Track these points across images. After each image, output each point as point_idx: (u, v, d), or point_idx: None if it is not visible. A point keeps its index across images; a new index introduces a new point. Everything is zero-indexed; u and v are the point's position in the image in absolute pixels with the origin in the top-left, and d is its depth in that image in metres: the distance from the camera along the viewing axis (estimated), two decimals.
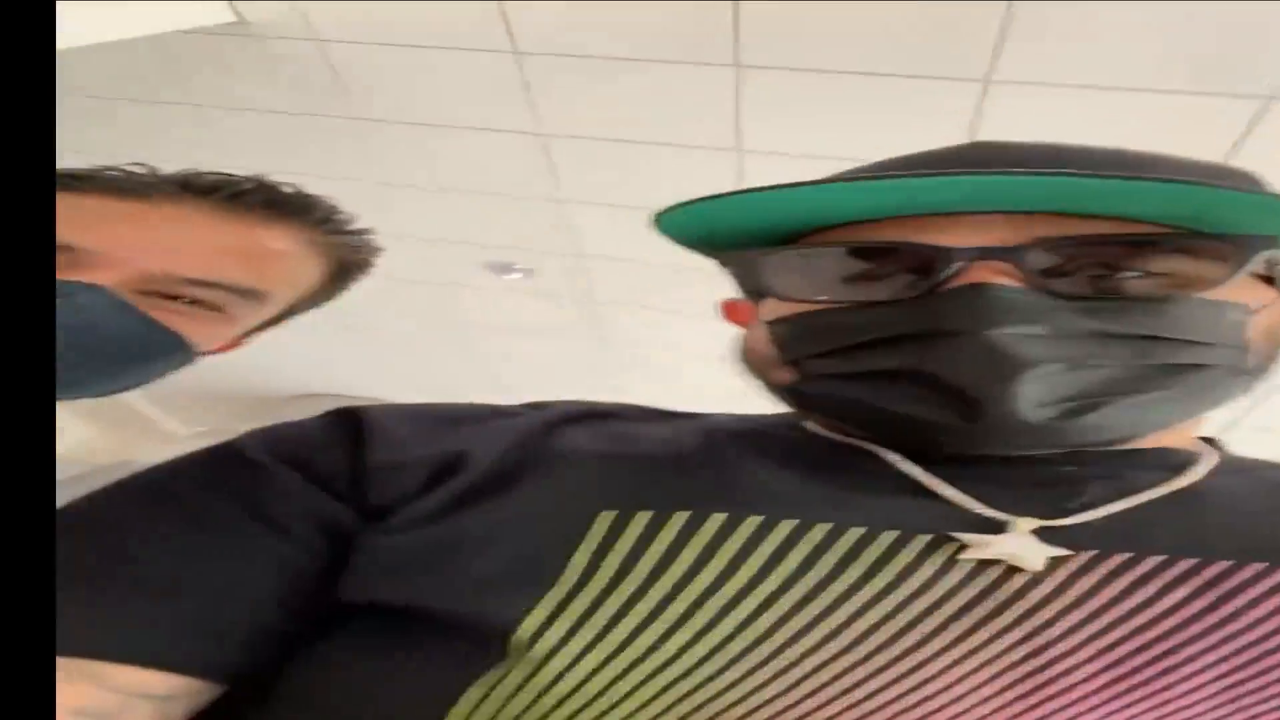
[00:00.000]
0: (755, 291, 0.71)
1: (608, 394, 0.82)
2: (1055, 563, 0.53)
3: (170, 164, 0.87)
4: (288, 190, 0.86)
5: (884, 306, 0.61)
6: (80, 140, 3.17)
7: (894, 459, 0.62)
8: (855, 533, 0.55)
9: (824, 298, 0.64)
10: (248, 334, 0.94)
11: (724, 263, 0.70)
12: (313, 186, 0.91)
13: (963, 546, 0.54)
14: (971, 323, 0.57)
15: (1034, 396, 0.57)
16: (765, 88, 2.76)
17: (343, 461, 0.65)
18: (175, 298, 0.82)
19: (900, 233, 0.61)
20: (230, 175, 0.84)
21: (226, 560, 0.58)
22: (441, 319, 4.81)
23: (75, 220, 0.79)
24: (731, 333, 0.74)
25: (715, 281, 0.73)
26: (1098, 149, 0.64)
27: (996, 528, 0.56)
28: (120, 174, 0.82)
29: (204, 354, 0.89)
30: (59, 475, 0.80)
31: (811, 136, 2.91)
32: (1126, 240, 0.59)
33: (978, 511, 0.57)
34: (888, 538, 0.55)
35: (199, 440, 0.69)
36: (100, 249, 0.78)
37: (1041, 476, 0.60)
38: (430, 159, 3.39)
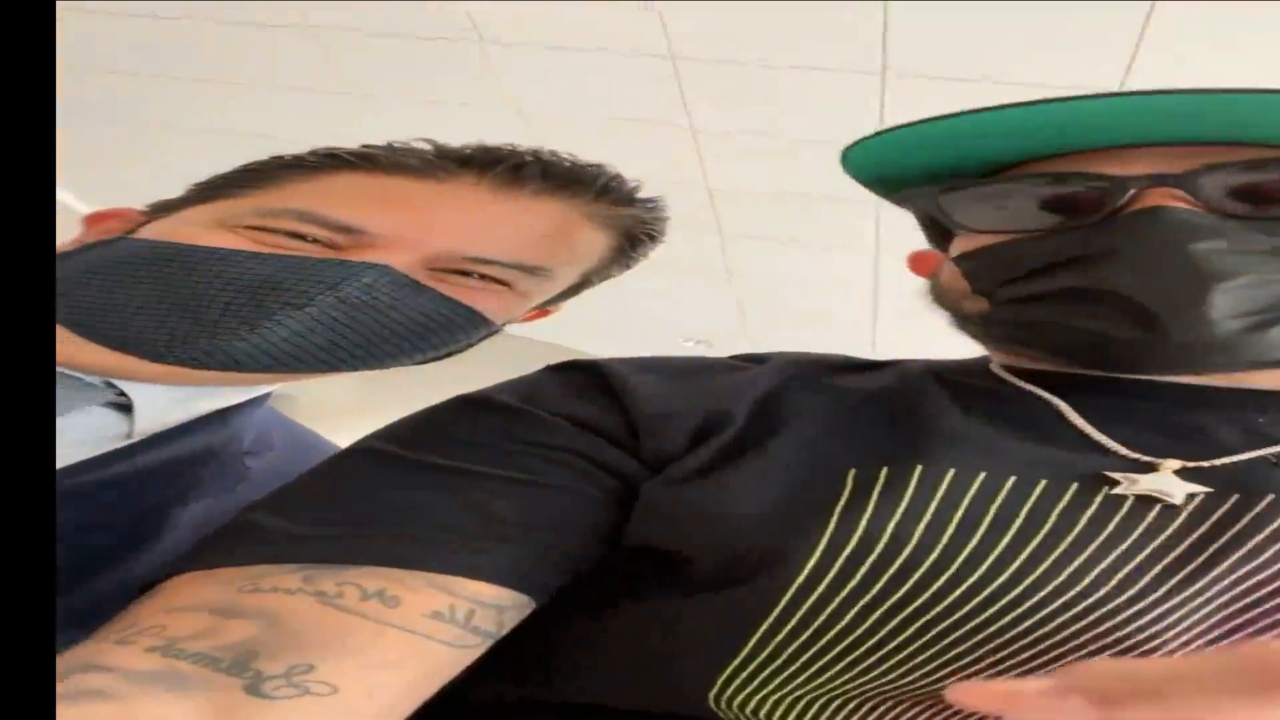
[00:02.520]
0: (939, 232, 0.77)
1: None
2: (1237, 500, 0.57)
3: None
4: (566, 163, 0.85)
5: (1066, 233, 0.65)
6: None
7: (1066, 410, 0.66)
8: (1042, 481, 0.59)
9: (1008, 228, 0.68)
10: (552, 302, 0.95)
11: (907, 201, 0.75)
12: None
13: (1115, 483, 0.59)
14: (1153, 241, 0.61)
15: (1221, 309, 0.60)
16: None
17: (611, 413, 0.68)
18: (465, 274, 0.83)
19: (1075, 165, 0.66)
20: (513, 148, 0.85)
21: (542, 496, 0.62)
22: None
23: (362, 202, 0.81)
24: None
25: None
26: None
27: (1147, 469, 0.60)
28: (405, 152, 0.84)
29: (511, 321, 0.91)
30: None
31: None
32: None
33: (1132, 456, 0.61)
34: (1061, 485, 0.59)
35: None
36: (388, 230, 0.80)
37: (1183, 422, 0.64)
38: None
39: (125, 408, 0.82)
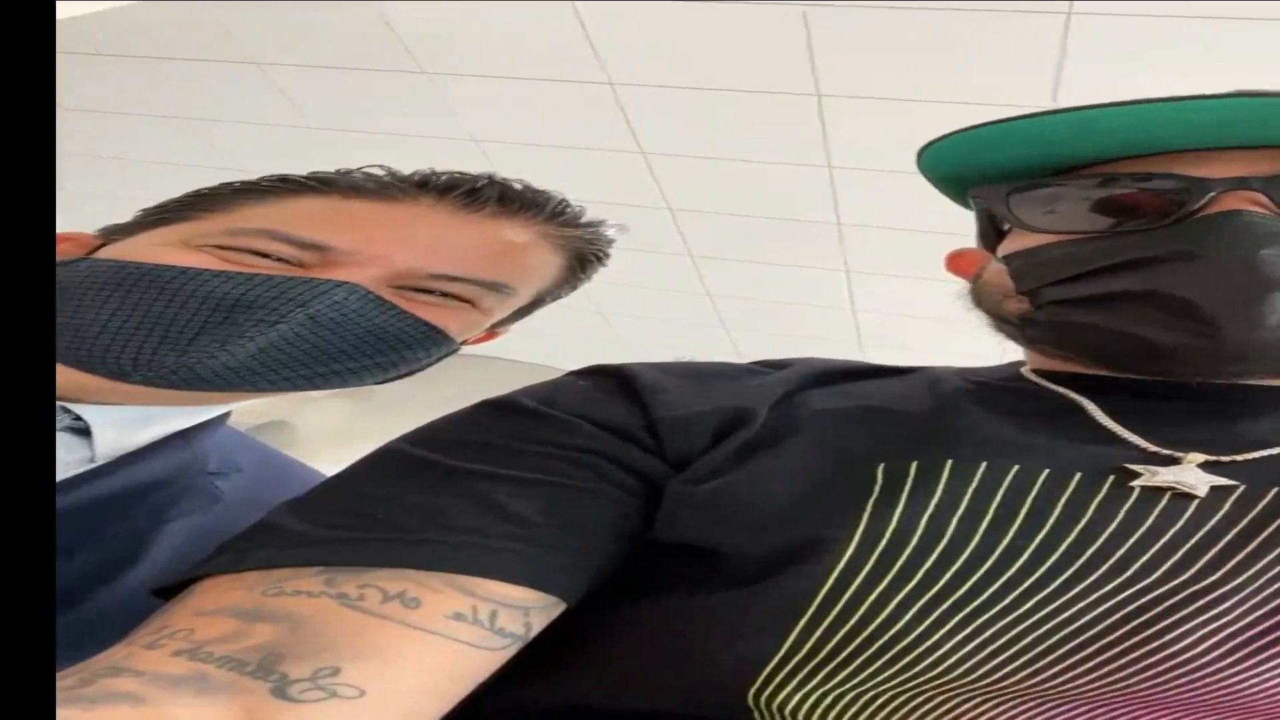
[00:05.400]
0: (993, 232, 0.76)
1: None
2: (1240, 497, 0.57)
3: None
4: (518, 187, 0.88)
5: (1134, 234, 0.65)
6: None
7: (1091, 409, 0.66)
8: (1076, 475, 0.59)
9: (1075, 230, 0.68)
10: (501, 324, 0.97)
11: (976, 198, 0.75)
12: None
13: (1136, 475, 0.59)
14: (1225, 245, 0.61)
15: (1276, 316, 0.60)
16: None
17: (633, 415, 0.68)
18: (429, 292, 0.84)
19: (1153, 167, 0.66)
20: (465, 174, 0.87)
21: (566, 497, 0.62)
22: None
23: (324, 221, 0.82)
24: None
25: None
26: None
27: (1171, 463, 0.60)
28: (361, 176, 0.86)
29: (465, 343, 0.93)
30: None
31: None
32: None
33: (1155, 450, 0.62)
34: (1097, 478, 0.59)
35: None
36: (353, 248, 0.81)
37: (1214, 419, 0.64)
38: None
39: (83, 431, 0.82)
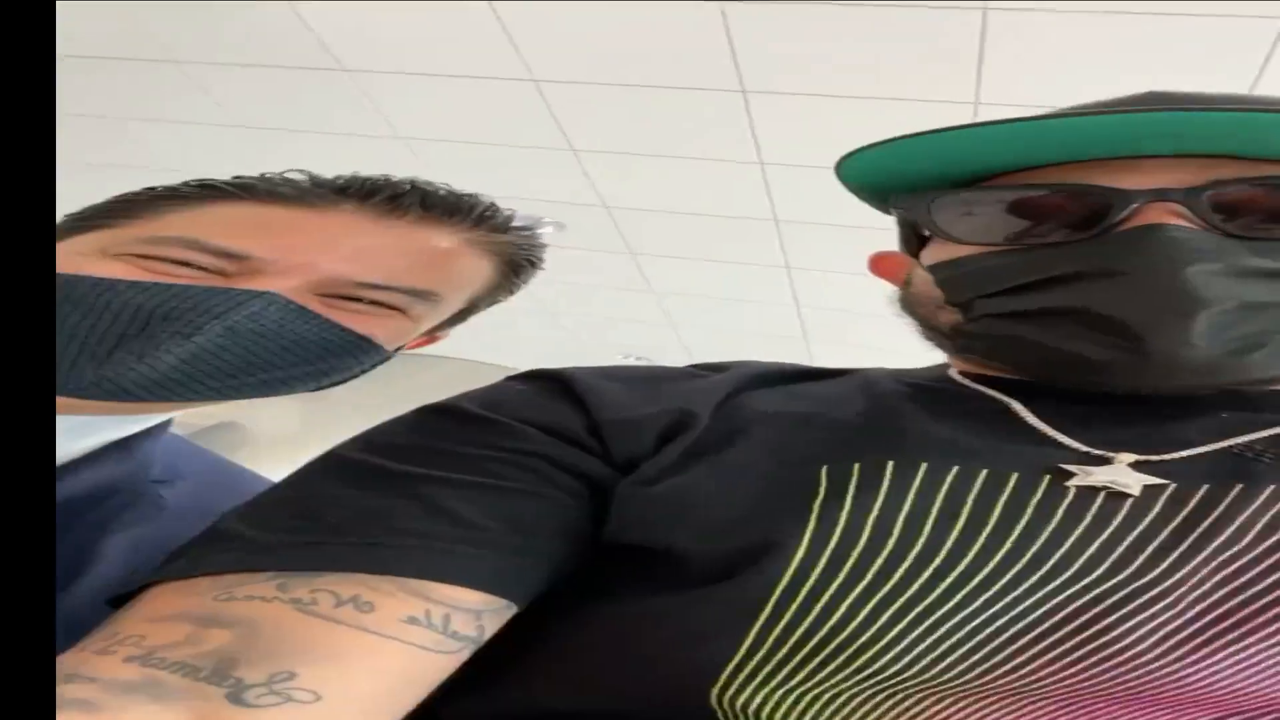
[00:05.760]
0: (918, 238, 0.75)
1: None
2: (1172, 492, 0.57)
3: None
4: (442, 192, 0.87)
5: (1056, 247, 0.64)
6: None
7: (1021, 411, 0.66)
8: (1013, 475, 0.59)
9: (997, 240, 0.67)
10: (440, 328, 0.95)
11: (897, 207, 0.74)
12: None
13: (1069, 475, 0.59)
14: (1149, 261, 0.60)
15: (1205, 334, 0.59)
16: None
17: (575, 418, 0.67)
18: (358, 299, 0.83)
19: (1072, 176, 0.64)
20: (387, 179, 0.85)
21: (512, 501, 0.62)
22: None
23: (245, 229, 0.81)
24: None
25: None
26: (1262, 96, 0.66)
27: (1103, 463, 0.60)
28: (280, 181, 0.84)
29: (402, 348, 0.92)
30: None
31: None
32: None
33: (1087, 450, 0.61)
34: (1033, 477, 0.58)
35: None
36: (274, 257, 0.80)
37: (1145, 419, 0.64)
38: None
39: None
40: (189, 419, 0.96)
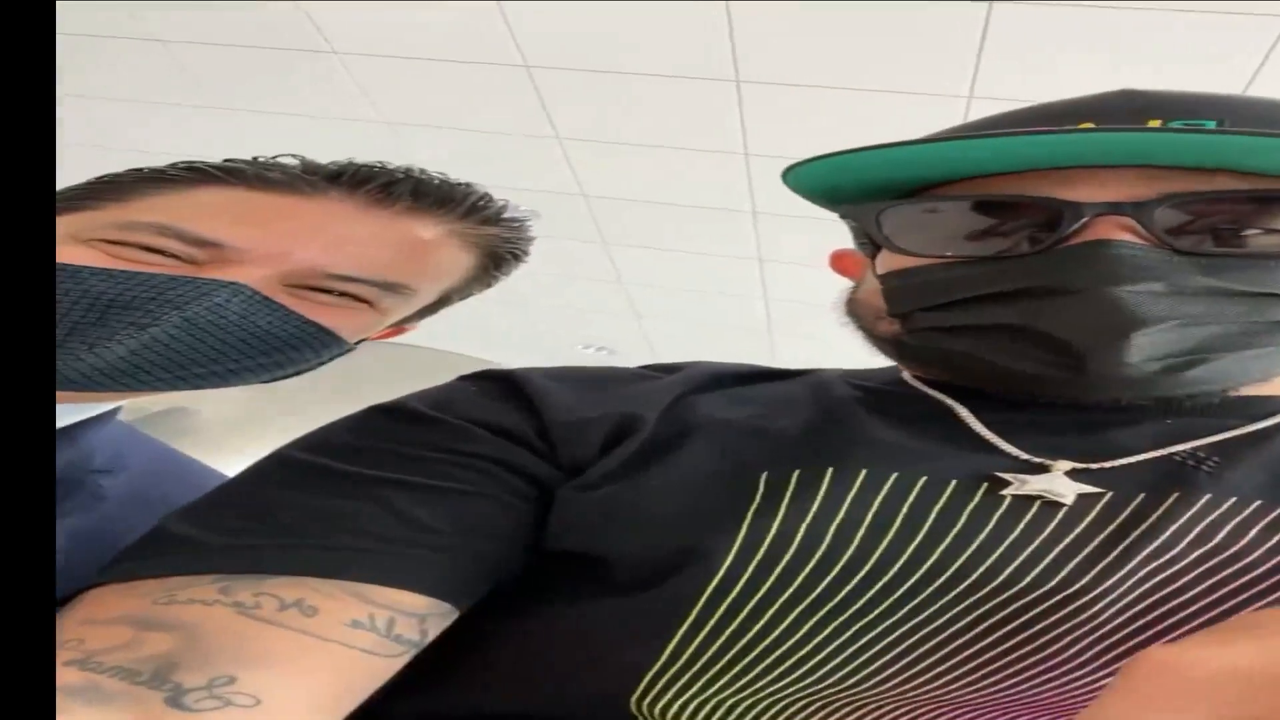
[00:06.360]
0: (870, 243, 0.72)
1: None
2: (1096, 498, 0.58)
3: None
4: (435, 181, 0.85)
5: (1002, 261, 0.63)
6: None
7: (966, 416, 0.66)
8: (952, 482, 0.59)
9: (945, 253, 0.66)
10: (407, 320, 0.94)
11: (845, 215, 0.73)
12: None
13: (1005, 484, 0.59)
14: (1092, 279, 0.59)
15: (1143, 353, 0.59)
16: None
17: (525, 420, 0.67)
18: (324, 291, 0.81)
19: (1025, 186, 0.63)
20: (382, 166, 0.83)
21: (460, 503, 0.62)
22: None
23: (224, 216, 0.79)
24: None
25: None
26: (1238, 98, 0.65)
27: (1041, 470, 0.60)
28: (271, 166, 0.82)
29: (362, 341, 0.90)
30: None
31: None
32: (1253, 197, 0.60)
33: (1025, 458, 0.62)
34: (971, 485, 0.59)
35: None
36: (249, 245, 0.78)
37: (1086, 426, 0.63)
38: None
39: None
40: (137, 404, 0.95)
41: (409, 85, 3.38)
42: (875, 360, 0.77)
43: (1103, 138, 0.59)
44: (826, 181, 0.69)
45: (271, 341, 0.81)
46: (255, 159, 0.83)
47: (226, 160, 0.82)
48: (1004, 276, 0.63)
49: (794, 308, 4.77)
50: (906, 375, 0.74)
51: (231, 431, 5.65)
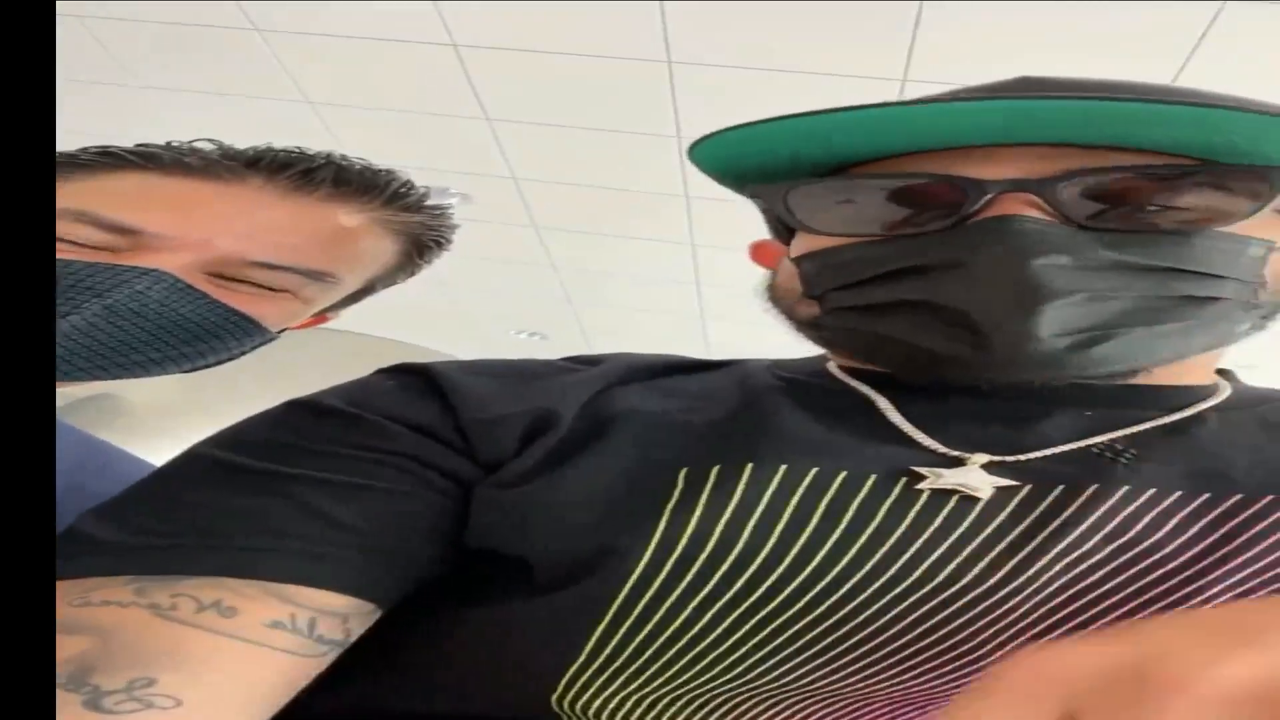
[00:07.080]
0: (784, 227, 0.73)
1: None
2: (1026, 492, 0.57)
3: None
4: (357, 167, 0.83)
5: (910, 239, 0.63)
6: None
7: (885, 408, 0.65)
8: (871, 476, 0.59)
9: (854, 231, 0.66)
10: (331, 309, 0.93)
11: (754, 197, 0.71)
12: None
13: (922, 478, 0.58)
14: (997, 253, 0.58)
15: (1050, 327, 0.59)
16: None
17: (442, 416, 0.66)
18: (244, 281, 0.81)
19: (931, 165, 0.63)
20: (301, 151, 0.82)
21: (379, 501, 0.61)
22: None
23: (141, 202, 0.77)
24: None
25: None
26: (1141, 84, 0.65)
27: (958, 464, 0.60)
28: (188, 151, 0.80)
29: (284, 330, 0.89)
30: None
31: None
32: (1157, 172, 0.60)
33: (942, 451, 0.61)
34: (889, 479, 0.58)
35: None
36: (168, 232, 0.77)
37: (1006, 417, 0.63)
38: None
39: None
40: (62, 390, 0.92)
41: (333, 64, 3.31)
42: (806, 347, 0.76)
43: (991, 105, 0.59)
44: (734, 160, 0.68)
45: (193, 330, 0.80)
46: (170, 144, 0.80)
47: (140, 145, 0.80)
48: (909, 253, 0.63)
49: (727, 293, 4.76)
50: (832, 365, 0.73)
51: (159, 417, 5.55)
